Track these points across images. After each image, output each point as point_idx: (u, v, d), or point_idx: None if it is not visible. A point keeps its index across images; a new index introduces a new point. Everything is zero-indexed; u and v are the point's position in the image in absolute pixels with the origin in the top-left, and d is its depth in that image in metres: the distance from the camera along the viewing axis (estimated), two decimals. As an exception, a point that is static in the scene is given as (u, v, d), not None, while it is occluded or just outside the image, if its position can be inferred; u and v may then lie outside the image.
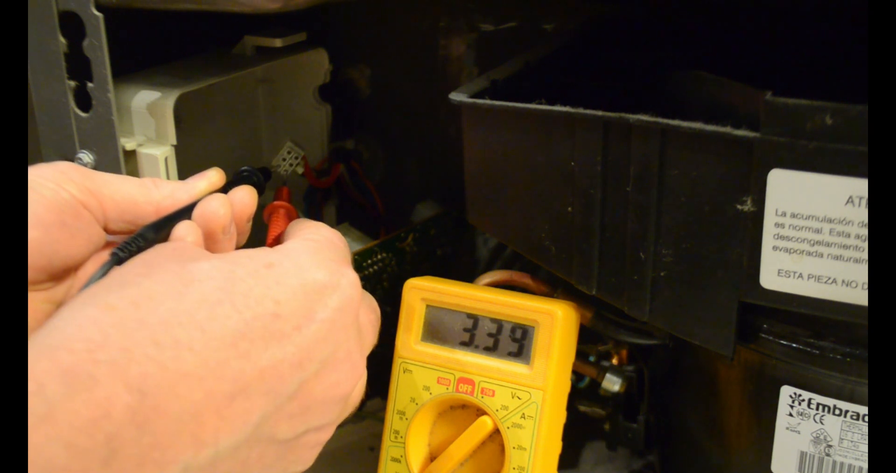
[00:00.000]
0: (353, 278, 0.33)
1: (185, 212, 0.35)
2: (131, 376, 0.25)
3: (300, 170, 0.58)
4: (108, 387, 0.25)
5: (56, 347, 0.25)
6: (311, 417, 0.31)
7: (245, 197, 0.37)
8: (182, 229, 0.34)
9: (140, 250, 0.33)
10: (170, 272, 0.29)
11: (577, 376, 0.50)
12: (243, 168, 0.40)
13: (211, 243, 0.35)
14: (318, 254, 0.33)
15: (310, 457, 0.33)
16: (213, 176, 0.37)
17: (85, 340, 0.26)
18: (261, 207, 0.43)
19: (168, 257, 0.31)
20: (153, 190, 0.35)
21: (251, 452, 0.29)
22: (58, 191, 0.32)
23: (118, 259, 0.32)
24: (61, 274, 0.33)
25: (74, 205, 0.33)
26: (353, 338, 0.33)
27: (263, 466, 0.30)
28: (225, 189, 0.37)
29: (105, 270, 0.31)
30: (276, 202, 0.41)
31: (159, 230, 0.34)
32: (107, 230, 0.34)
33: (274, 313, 0.30)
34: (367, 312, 0.36)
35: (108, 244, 0.35)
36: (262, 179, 0.40)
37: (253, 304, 0.29)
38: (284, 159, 0.57)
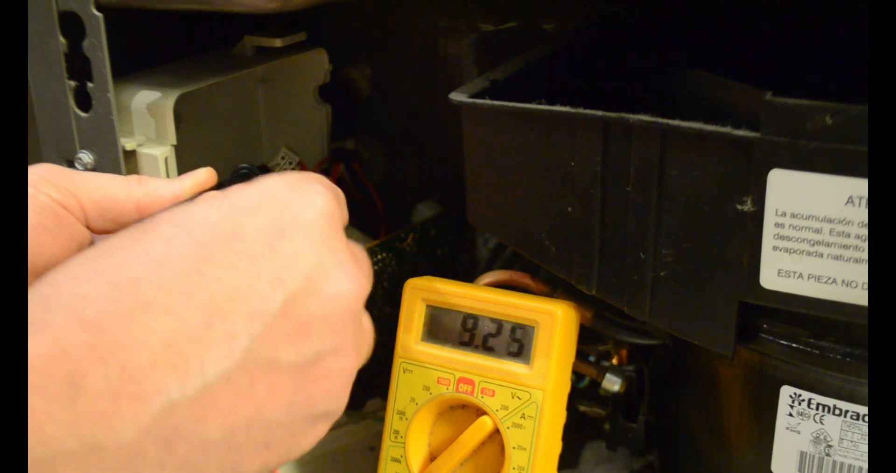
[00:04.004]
0: (319, 188, 0.32)
1: None
2: (87, 316, 0.25)
3: None
4: (61, 328, 0.24)
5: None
6: (316, 337, 0.30)
7: None
8: None
9: None
10: (132, 229, 0.29)
11: (577, 376, 0.50)
12: (241, 166, 0.40)
13: None
14: (283, 177, 0.32)
15: (338, 389, 0.31)
16: (202, 174, 0.36)
17: (40, 298, 0.25)
18: None
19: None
20: (135, 187, 0.35)
21: (254, 381, 0.28)
22: (35, 194, 0.32)
23: None
24: None
25: (53, 206, 0.32)
26: (339, 248, 0.31)
27: (282, 400, 0.29)
28: (223, 187, 0.37)
29: None
30: None
31: None
32: (90, 229, 0.34)
33: (234, 234, 0.29)
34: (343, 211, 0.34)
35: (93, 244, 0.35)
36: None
37: (210, 230, 0.28)
38: (279, 165, 0.57)
